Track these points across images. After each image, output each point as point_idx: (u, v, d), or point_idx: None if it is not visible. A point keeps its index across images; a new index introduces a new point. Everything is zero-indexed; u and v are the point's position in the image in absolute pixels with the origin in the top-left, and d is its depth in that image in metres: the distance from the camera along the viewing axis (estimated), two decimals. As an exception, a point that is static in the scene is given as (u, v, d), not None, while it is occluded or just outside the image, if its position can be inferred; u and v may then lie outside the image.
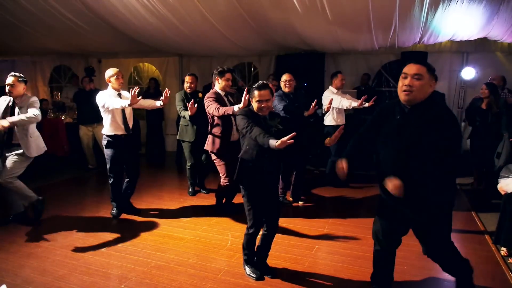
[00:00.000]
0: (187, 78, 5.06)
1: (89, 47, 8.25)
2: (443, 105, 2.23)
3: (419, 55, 6.51)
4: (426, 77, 2.16)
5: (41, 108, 6.90)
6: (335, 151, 5.31)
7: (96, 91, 6.88)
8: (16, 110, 3.95)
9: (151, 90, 8.09)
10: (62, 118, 7.15)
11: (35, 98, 4.06)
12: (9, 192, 4.12)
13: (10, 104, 3.99)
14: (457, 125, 2.21)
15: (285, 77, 4.81)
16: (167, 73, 8.88)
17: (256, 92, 2.81)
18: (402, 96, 2.21)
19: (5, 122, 3.66)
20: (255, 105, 2.85)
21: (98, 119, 6.72)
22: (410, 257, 3.35)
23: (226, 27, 6.04)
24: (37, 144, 4.12)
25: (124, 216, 4.45)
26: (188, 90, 5.03)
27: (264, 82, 2.91)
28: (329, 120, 5.42)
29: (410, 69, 2.19)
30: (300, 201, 4.90)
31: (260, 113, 2.86)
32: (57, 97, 8.47)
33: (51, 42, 7.65)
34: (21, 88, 3.98)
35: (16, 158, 3.95)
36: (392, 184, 2.11)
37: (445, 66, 6.95)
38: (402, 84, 2.20)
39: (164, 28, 6.26)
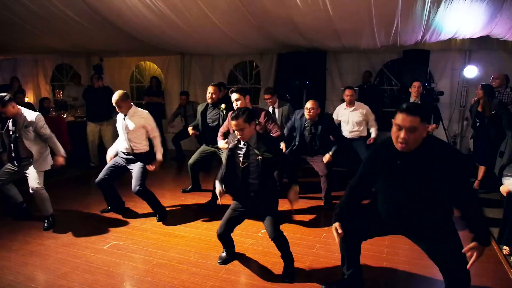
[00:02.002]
0: (209, 89, 4.86)
1: (91, 46, 8.25)
2: (441, 142, 2.24)
3: (421, 54, 6.49)
4: (420, 128, 2.11)
5: (43, 107, 6.98)
6: None
7: (104, 88, 6.92)
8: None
9: (154, 88, 8.11)
10: (64, 116, 7.16)
11: (38, 117, 3.97)
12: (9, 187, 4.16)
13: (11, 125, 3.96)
14: (460, 157, 2.27)
15: (308, 104, 4.72)
16: (169, 72, 8.89)
17: (231, 122, 2.97)
18: (397, 146, 2.19)
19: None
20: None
21: (106, 117, 6.82)
22: (410, 255, 3.35)
23: (227, 25, 6.03)
24: (45, 162, 4.12)
25: (125, 214, 4.46)
26: (209, 101, 4.86)
27: (239, 111, 2.95)
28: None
29: (405, 121, 2.11)
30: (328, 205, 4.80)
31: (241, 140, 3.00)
32: (59, 96, 8.49)
33: (53, 41, 7.65)
34: (10, 108, 3.84)
35: (34, 170, 3.99)
36: None
37: (447, 64, 6.93)
38: (397, 136, 2.16)
39: (166, 27, 6.26)
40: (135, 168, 4.22)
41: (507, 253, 3.41)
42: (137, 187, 4.13)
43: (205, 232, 3.96)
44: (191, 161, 5.00)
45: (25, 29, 6.70)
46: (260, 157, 2.92)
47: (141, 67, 9.64)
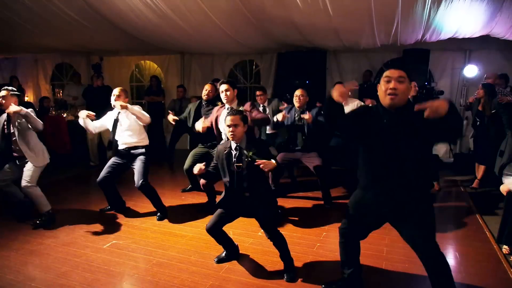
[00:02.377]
0: (206, 86, 4.93)
1: (90, 45, 8.25)
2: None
3: (421, 53, 6.49)
4: (407, 81, 2.27)
5: (43, 106, 6.98)
6: None
7: (103, 87, 6.91)
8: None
9: (154, 88, 8.10)
10: (64, 115, 7.16)
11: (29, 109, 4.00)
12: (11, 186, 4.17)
13: (5, 119, 4.00)
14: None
15: (297, 92, 4.83)
16: (169, 71, 8.89)
17: (228, 116, 2.96)
18: (387, 100, 2.27)
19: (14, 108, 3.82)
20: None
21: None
22: (410, 254, 3.36)
23: (227, 25, 6.03)
24: (42, 156, 4.13)
25: (125, 213, 4.47)
26: (204, 98, 4.89)
27: (237, 110, 3.03)
28: None
29: (393, 72, 2.26)
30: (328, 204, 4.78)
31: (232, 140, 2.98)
32: (59, 95, 8.49)
33: (53, 40, 7.65)
34: (11, 102, 3.90)
35: (28, 167, 4.01)
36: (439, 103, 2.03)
37: (447, 63, 6.94)
38: (387, 87, 2.26)
39: (166, 26, 6.26)
40: (137, 163, 4.23)
41: (507, 252, 3.41)
42: (141, 181, 4.14)
43: (205, 231, 3.94)
44: (186, 166, 4.84)
45: (25, 28, 6.70)
46: (248, 158, 2.90)
47: (141, 66, 9.64)
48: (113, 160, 4.37)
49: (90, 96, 6.79)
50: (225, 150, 3.03)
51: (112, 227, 4.06)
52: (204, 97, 4.90)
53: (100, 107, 6.67)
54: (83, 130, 6.87)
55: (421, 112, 2.09)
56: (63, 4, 5.69)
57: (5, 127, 3.99)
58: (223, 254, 3.32)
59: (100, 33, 7.12)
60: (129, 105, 4.14)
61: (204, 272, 3.08)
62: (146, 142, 4.34)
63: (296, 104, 4.82)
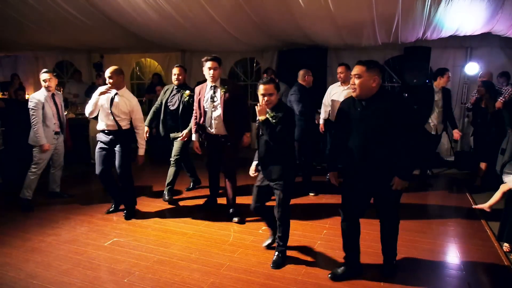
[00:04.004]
0: (175, 70, 4.68)
1: (91, 43, 8.25)
2: (395, 96, 2.97)
3: (422, 50, 6.47)
4: (365, 75, 2.59)
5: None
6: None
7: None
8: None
9: (155, 85, 8.08)
10: (65, 113, 7.15)
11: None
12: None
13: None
14: (408, 106, 2.76)
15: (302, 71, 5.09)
16: (170, 69, 8.85)
17: (261, 86, 3.04)
18: (352, 93, 2.69)
19: None
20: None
21: None
22: (413, 252, 3.36)
23: (228, 22, 6.02)
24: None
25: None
26: (175, 83, 4.70)
27: (269, 78, 3.14)
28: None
29: (354, 70, 2.65)
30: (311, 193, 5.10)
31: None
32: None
33: (54, 38, 7.64)
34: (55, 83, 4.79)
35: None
36: None
37: (448, 61, 6.91)
38: (352, 83, 2.66)
39: (166, 24, 6.25)
40: (118, 151, 4.16)
41: (507, 250, 3.41)
42: (119, 170, 4.16)
43: (205, 229, 3.97)
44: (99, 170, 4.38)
45: (26, 26, 6.69)
46: (269, 118, 3.00)
47: (141, 64, 9.63)
48: (98, 149, 4.29)
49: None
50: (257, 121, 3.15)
51: (113, 224, 4.07)
52: (175, 83, 4.72)
53: None
54: (84, 128, 6.92)
55: (388, 104, 2.57)
56: (64, 1, 5.69)
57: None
58: (269, 240, 3.53)
59: (100, 31, 7.12)
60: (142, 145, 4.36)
61: (205, 270, 3.09)
62: (128, 126, 4.26)
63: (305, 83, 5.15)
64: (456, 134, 5.34)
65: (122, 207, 4.41)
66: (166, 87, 4.93)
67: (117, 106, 4.10)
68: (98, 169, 4.23)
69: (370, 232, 3.55)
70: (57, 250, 3.44)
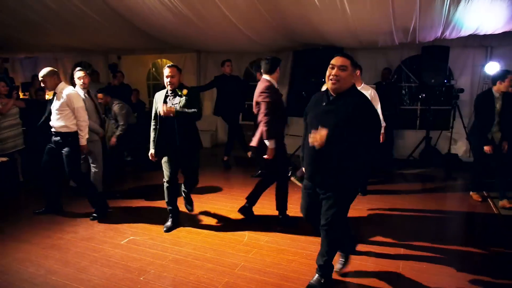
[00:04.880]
0: (166, 71, 3.73)
1: (109, 44, 8.38)
2: (362, 94, 2.65)
3: (440, 50, 6.36)
4: (349, 69, 2.50)
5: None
6: None
7: (121, 86, 7.01)
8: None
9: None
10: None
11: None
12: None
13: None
14: (373, 109, 2.54)
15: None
16: (185, 69, 8.92)
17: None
18: (329, 84, 2.53)
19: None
20: None
21: None
22: (436, 259, 3.30)
23: (243, 23, 6.04)
24: None
25: (142, 210, 4.53)
26: (169, 87, 3.76)
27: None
28: None
29: (337, 61, 2.51)
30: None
31: None
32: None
33: (72, 39, 7.80)
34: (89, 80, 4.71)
35: None
36: (318, 135, 2.43)
37: (468, 61, 6.78)
38: (329, 73, 2.52)
39: (182, 25, 6.30)
40: (64, 155, 4.12)
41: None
42: (69, 174, 4.17)
43: (220, 229, 3.98)
44: (166, 179, 3.98)
45: (46, 28, 6.85)
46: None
47: (157, 65, 9.75)
48: (48, 147, 4.27)
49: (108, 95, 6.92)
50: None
51: (129, 223, 4.12)
52: (168, 87, 3.77)
53: None
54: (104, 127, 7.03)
55: (357, 103, 2.48)
56: (82, 3, 5.80)
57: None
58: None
59: (118, 32, 7.23)
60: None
61: (220, 269, 3.10)
62: (74, 128, 4.14)
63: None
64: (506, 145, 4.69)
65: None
66: (157, 96, 3.87)
67: (55, 105, 4.13)
68: (43, 162, 4.27)
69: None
70: (75, 247, 3.51)
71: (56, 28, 6.87)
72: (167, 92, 3.81)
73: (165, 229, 3.92)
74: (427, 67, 6.38)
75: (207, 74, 8.77)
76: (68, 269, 3.12)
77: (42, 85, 4.11)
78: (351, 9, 4.96)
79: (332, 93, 2.57)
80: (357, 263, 3.18)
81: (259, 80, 4.11)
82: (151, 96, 9.59)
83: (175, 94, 3.78)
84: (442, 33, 5.77)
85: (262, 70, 4.07)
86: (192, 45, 7.91)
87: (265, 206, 4.59)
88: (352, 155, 2.49)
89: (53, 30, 6.97)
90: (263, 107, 3.75)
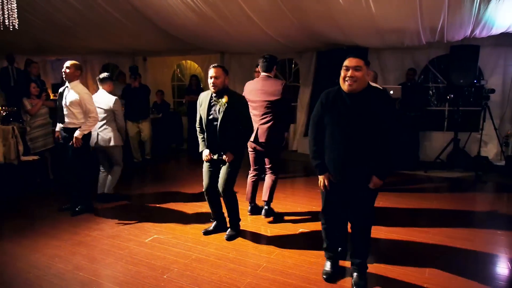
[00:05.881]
0: (211, 71, 3.50)
1: (135, 46, 8.57)
2: (379, 89, 2.82)
3: (470, 49, 6.16)
4: (364, 68, 2.54)
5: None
6: None
7: (141, 87, 7.18)
8: None
9: (193, 87, 8.27)
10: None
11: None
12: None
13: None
14: (392, 102, 2.74)
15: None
16: (208, 71, 9.02)
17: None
18: (345, 86, 2.56)
19: None
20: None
21: (144, 116, 7.09)
22: (458, 262, 3.20)
23: (267, 24, 6.04)
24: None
25: (166, 209, 4.60)
26: (212, 89, 3.51)
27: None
28: None
29: (351, 62, 2.56)
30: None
31: None
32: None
33: (100, 41, 8.02)
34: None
35: None
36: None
37: (499, 60, 6.54)
38: (345, 75, 2.56)
39: (207, 27, 6.37)
40: (69, 150, 4.27)
41: None
42: (72, 168, 4.29)
43: (243, 229, 3.98)
44: (206, 185, 3.73)
45: (75, 31, 7.07)
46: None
47: (182, 66, 9.89)
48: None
49: (126, 96, 7.10)
50: None
51: (154, 222, 4.19)
52: (212, 89, 3.51)
53: (138, 106, 7.02)
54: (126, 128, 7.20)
55: (378, 98, 2.56)
56: (110, 6, 5.96)
57: None
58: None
59: (144, 34, 7.39)
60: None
61: (242, 270, 3.11)
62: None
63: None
64: None
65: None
66: (203, 97, 3.68)
67: (67, 98, 4.30)
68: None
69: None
70: (102, 245, 3.60)
71: (85, 30, 7.09)
72: (211, 94, 3.55)
73: (203, 231, 3.90)
74: (455, 67, 6.20)
75: (230, 75, 8.79)
76: (94, 265, 3.20)
77: (63, 72, 4.34)
78: (376, 8, 4.88)
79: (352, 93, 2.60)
80: (382, 267, 3.12)
81: (256, 77, 4.33)
82: (175, 97, 9.75)
83: (218, 98, 3.51)
84: (472, 31, 5.59)
85: (260, 69, 4.22)
86: (216, 46, 7.98)
87: (287, 207, 4.58)
88: (381, 149, 2.57)
89: (82, 32, 7.19)
90: (285, 102, 4.04)
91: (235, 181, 3.66)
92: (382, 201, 4.74)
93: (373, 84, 4.52)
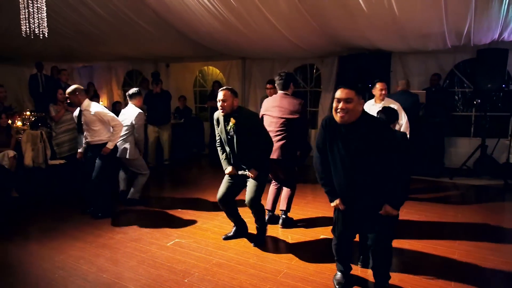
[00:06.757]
0: (220, 94, 3.52)
1: (158, 52, 8.74)
2: (373, 118, 2.68)
3: (497, 53, 5.97)
4: (355, 99, 2.49)
5: (115, 110, 7.49)
6: None
7: (162, 93, 7.30)
8: None
9: (216, 92, 8.33)
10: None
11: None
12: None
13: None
14: (389, 129, 2.76)
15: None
16: (230, 76, 9.10)
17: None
18: (337, 118, 2.53)
19: None
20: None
21: (164, 121, 7.21)
22: (484, 273, 3.09)
23: (288, 29, 6.05)
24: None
25: (188, 214, 4.64)
26: (221, 112, 3.54)
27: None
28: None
29: (342, 94, 2.51)
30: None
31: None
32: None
33: (125, 48, 8.22)
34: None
35: None
36: None
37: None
38: (336, 106, 2.53)
39: (228, 33, 6.43)
40: (96, 163, 4.41)
41: None
42: (92, 179, 4.38)
43: (263, 234, 3.97)
44: (220, 195, 3.75)
45: (101, 38, 7.28)
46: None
47: (204, 72, 10.01)
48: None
49: (149, 101, 7.23)
50: None
51: (175, 226, 4.23)
52: (220, 112, 3.57)
53: (159, 111, 7.13)
54: (146, 132, 7.32)
55: (371, 127, 2.51)
56: (134, 14, 6.11)
57: None
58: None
59: (167, 41, 7.53)
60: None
61: (262, 276, 3.10)
62: (104, 140, 4.44)
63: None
64: None
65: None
66: (215, 117, 3.69)
67: (83, 120, 4.41)
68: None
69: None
70: (124, 247, 3.66)
71: (110, 38, 7.28)
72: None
73: (223, 236, 3.92)
74: (482, 71, 6.02)
75: (251, 81, 8.86)
76: (117, 268, 3.25)
77: (68, 101, 4.44)
78: (399, 11, 4.81)
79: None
80: (405, 276, 3.04)
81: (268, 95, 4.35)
82: (197, 102, 9.86)
83: (228, 120, 3.52)
84: (500, 34, 5.43)
85: (277, 87, 4.14)
86: (238, 52, 8.04)
87: (308, 213, 4.54)
88: (387, 177, 2.54)
89: (107, 40, 7.39)
90: (302, 121, 3.98)
91: (261, 195, 3.65)
92: (405, 209, 4.63)
93: (384, 102, 4.68)
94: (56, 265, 3.28)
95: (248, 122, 3.49)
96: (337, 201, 2.73)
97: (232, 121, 3.47)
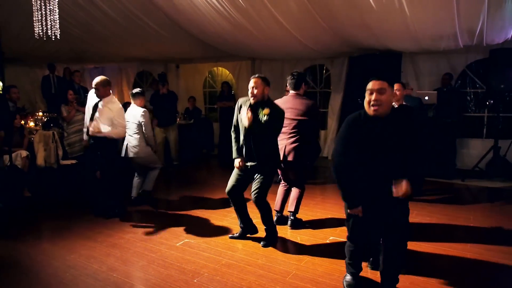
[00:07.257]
0: (251, 82, 3.51)
1: (168, 53, 8.80)
2: (406, 107, 2.75)
3: (510, 53, 5.87)
4: (388, 90, 2.42)
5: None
6: None
7: (168, 94, 7.35)
8: None
9: (225, 93, 8.37)
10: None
11: None
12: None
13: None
14: (419, 122, 2.70)
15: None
16: (240, 77, 9.12)
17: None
18: (370, 110, 2.44)
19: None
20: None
21: (171, 122, 7.25)
22: (498, 276, 3.04)
23: (298, 30, 6.04)
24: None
25: (197, 214, 4.65)
26: (251, 100, 3.53)
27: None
28: None
29: (374, 85, 2.42)
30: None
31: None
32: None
33: (135, 50, 8.30)
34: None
35: None
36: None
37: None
38: (369, 99, 2.44)
39: (238, 34, 6.44)
40: (102, 158, 4.43)
41: None
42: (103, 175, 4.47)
43: (272, 235, 3.96)
44: (229, 187, 3.76)
45: (112, 39, 7.35)
46: None
47: (213, 73, 10.05)
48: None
49: (155, 102, 7.28)
50: None
51: (185, 226, 4.25)
52: (251, 100, 3.54)
53: (165, 112, 7.17)
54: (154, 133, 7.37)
55: (405, 120, 2.46)
56: (145, 16, 6.16)
57: None
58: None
59: (176, 42, 7.58)
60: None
61: (271, 277, 3.09)
62: (110, 134, 4.42)
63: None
64: None
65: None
66: (240, 102, 3.69)
67: (99, 111, 4.40)
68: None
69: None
70: (134, 247, 3.68)
71: (121, 39, 7.36)
72: (251, 103, 3.51)
73: (230, 236, 3.93)
74: (495, 72, 5.92)
75: (261, 81, 8.84)
76: (127, 267, 3.28)
77: (95, 92, 4.40)
78: (410, 11, 4.76)
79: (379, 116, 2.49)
80: (415, 279, 3.01)
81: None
82: (206, 103, 9.90)
83: (257, 109, 3.47)
84: (514, 34, 5.35)
85: (288, 86, 4.14)
86: (247, 52, 8.05)
87: (317, 215, 4.52)
88: (410, 168, 2.46)
89: (118, 41, 7.47)
90: (314, 123, 3.99)
91: (267, 192, 3.64)
92: (416, 211, 4.59)
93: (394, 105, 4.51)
94: (67, 264, 3.32)
95: (277, 115, 3.50)
96: (358, 209, 2.60)
97: (267, 110, 3.43)
